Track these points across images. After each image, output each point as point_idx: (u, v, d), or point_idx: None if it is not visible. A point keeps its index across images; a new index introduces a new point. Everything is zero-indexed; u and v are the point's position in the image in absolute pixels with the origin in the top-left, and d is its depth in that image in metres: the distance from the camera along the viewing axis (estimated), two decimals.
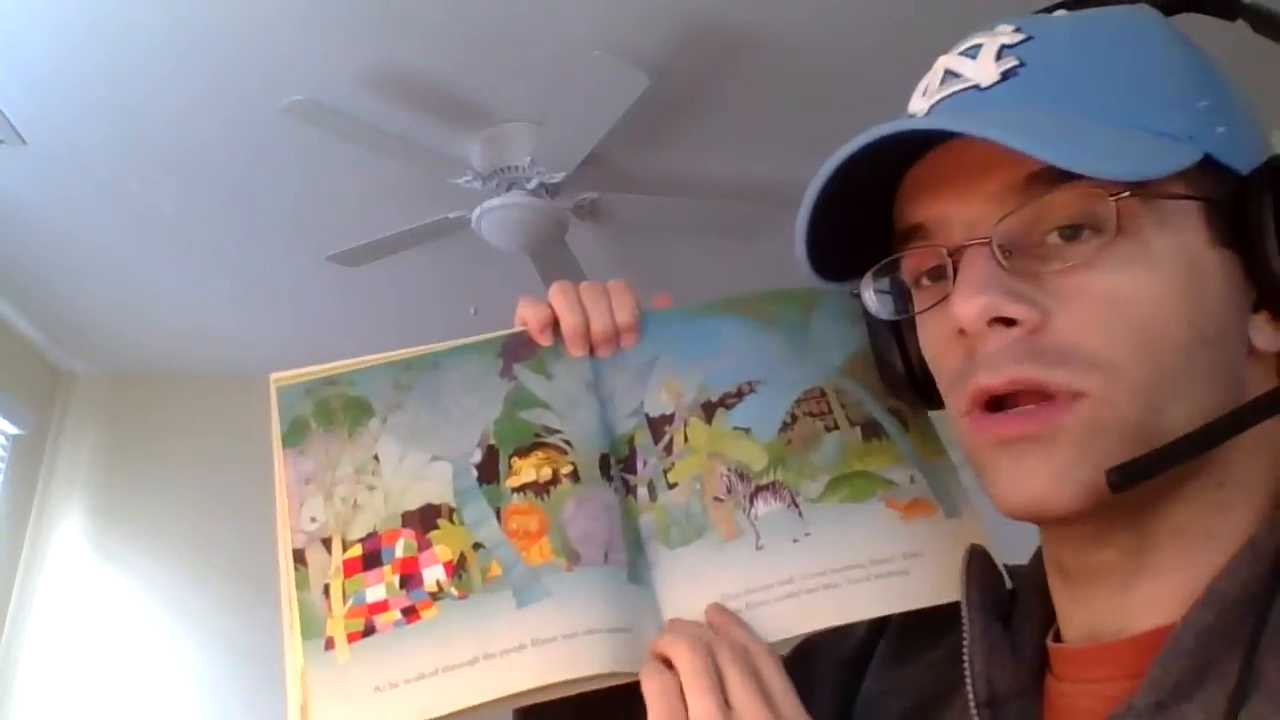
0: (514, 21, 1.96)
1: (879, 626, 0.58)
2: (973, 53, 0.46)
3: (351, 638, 0.51)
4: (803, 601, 0.53)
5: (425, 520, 0.55)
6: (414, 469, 0.57)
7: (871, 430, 0.58)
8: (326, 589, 0.53)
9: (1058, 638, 0.49)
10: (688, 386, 0.60)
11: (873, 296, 0.51)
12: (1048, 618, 0.50)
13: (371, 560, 0.54)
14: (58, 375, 3.45)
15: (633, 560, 0.55)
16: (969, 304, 0.42)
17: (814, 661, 0.62)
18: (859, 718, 0.57)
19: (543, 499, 0.56)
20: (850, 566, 0.53)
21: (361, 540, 0.54)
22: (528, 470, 0.56)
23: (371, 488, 0.56)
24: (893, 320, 0.54)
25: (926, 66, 0.49)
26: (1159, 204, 0.42)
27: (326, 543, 0.54)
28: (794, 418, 0.58)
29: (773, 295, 0.64)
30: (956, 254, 0.44)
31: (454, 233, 2.47)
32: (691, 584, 0.54)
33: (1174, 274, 0.42)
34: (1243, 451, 0.43)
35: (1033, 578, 0.52)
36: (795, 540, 0.55)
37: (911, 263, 0.48)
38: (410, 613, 0.52)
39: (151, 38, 1.97)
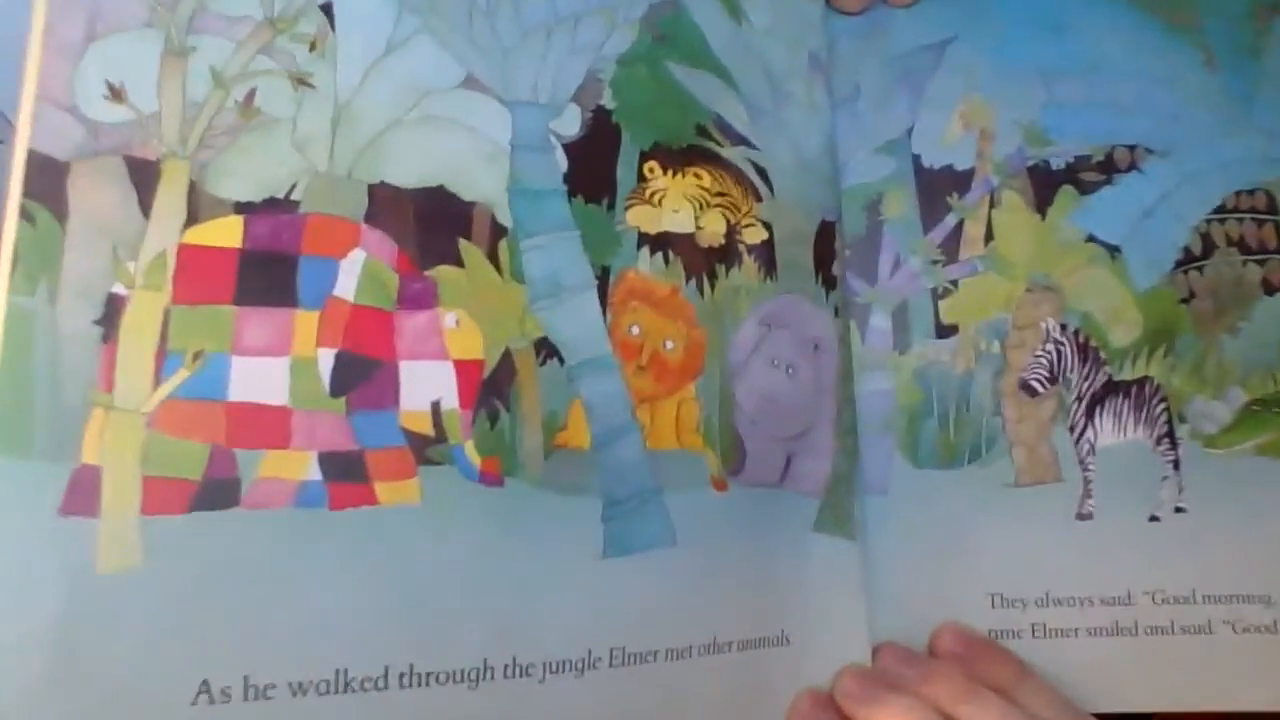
0: None
1: None
2: None
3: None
4: (1138, 649, 0.26)
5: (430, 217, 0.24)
6: (421, 87, 0.25)
7: None
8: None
9: None
10: (1004, 119, 0.30)
11: None
12: None
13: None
14: None
15: (837, 485, 0.26)
16: None
17: None
18: None
19: (702, 293, 0.25)
20: (1245, 597, 0.26)
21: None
22: (678, 197, 0.26)
23: (303, 83, 0.24)
24: None
25: None
26: None
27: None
28: (1207, 244, 0.30)
29: None
30: None
31: None
32: (932, 557, 0.26)
33: None
34: None
35: None
36: (1156, 518, 0.27)
37: None
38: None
39: None
